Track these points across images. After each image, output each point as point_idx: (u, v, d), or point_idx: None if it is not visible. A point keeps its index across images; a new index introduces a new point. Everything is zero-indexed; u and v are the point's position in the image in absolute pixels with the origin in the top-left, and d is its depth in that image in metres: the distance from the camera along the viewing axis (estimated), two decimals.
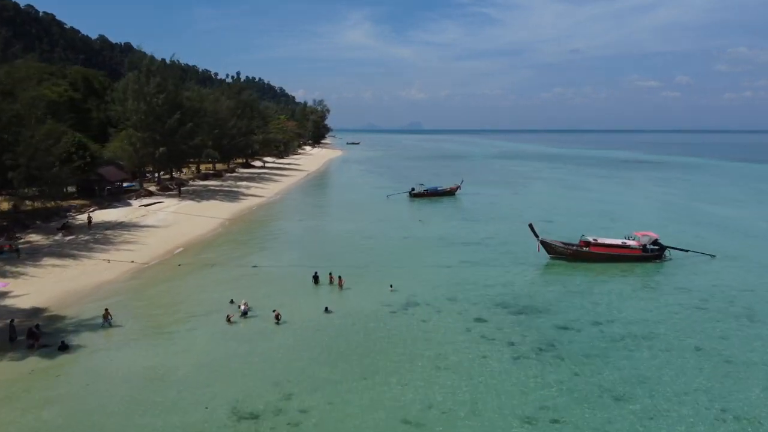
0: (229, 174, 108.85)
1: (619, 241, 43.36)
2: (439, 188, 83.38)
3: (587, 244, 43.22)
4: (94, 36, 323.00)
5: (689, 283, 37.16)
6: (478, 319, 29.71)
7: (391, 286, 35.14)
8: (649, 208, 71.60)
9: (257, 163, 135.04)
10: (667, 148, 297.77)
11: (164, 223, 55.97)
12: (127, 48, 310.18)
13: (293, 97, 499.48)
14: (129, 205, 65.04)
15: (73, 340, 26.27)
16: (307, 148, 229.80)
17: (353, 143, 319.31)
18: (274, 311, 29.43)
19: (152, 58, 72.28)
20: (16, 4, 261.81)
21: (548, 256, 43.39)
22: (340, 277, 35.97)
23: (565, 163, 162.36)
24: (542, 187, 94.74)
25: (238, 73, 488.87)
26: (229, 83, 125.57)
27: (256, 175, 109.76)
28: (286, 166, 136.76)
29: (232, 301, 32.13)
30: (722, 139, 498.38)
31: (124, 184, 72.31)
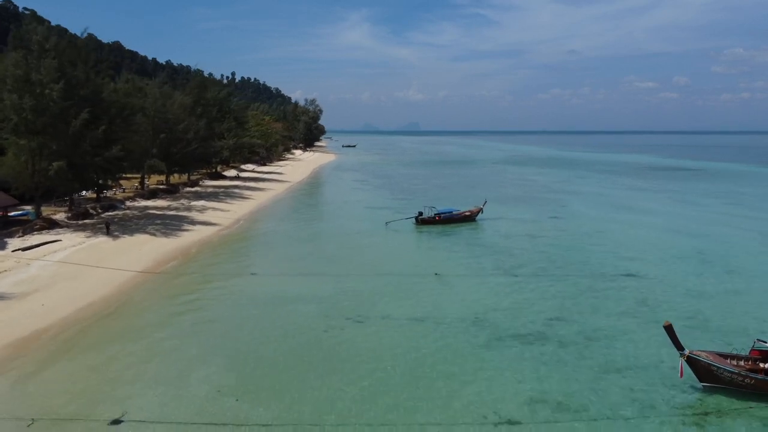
0: (188, 189, 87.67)
1: None
2: (455, 212, 62.22)
3: None
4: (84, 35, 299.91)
5: None
6: None
7: None
8: (763, 247, 50.57)
9: (230, 173, 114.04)
10: (685, 151, 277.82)
11: (27, 287, 34.68)
12: (117, 47, 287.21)
13: (290, 98, 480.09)
14: (3, 247, 43.91)
15: None
16: (297, 152, 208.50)
17: (349, 146, 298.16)
18: None
19: (48, 30, 50.16)
20: None
21: (700, 383, 22.53)
22: None
23: (589, 171, 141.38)
24: (585, 208, 73.62)
25: (233, 74, 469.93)
26: (194, 74, 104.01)
27: (221, 190, 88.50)
28: (266, 176, 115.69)
29: None
30: (729, 141, 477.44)
31: (12, 213, 51.10)
